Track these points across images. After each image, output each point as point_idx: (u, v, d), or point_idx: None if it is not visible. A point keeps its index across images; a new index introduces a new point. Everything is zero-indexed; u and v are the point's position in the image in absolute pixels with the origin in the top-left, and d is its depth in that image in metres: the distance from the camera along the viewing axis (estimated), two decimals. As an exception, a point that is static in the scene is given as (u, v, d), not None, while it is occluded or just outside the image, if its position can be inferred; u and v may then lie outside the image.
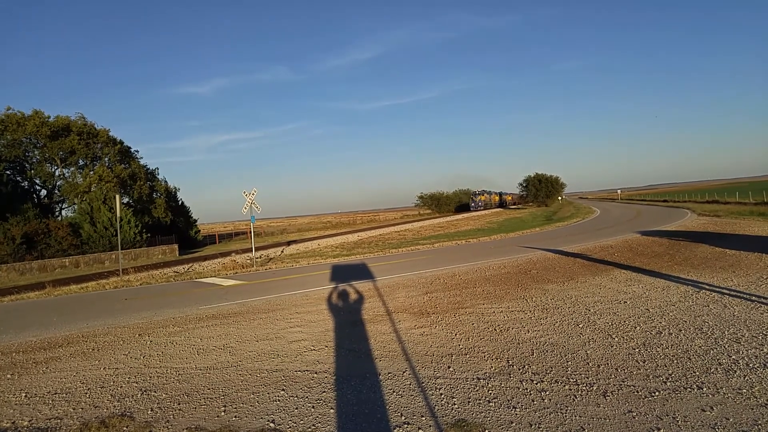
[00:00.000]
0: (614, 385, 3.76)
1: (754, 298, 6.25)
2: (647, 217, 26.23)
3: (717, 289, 6.89)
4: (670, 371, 3.96)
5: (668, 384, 3.70)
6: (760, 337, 4.62)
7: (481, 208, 72.33)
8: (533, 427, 3.17)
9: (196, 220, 41.52)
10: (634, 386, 3.70)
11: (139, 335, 6.75)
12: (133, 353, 5.81)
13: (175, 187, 39.58)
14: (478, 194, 75.91)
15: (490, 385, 3.94)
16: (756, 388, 3.49)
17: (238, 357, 5.30)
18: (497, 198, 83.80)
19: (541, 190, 66.92)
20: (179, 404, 4.02)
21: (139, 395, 4.32)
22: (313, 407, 3.76)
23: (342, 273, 12.18)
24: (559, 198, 76.11)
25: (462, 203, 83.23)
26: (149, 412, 3.89)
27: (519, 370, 4.26)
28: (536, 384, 3.89)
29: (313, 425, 3.44)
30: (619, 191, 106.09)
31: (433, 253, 15.86)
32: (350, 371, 4.55)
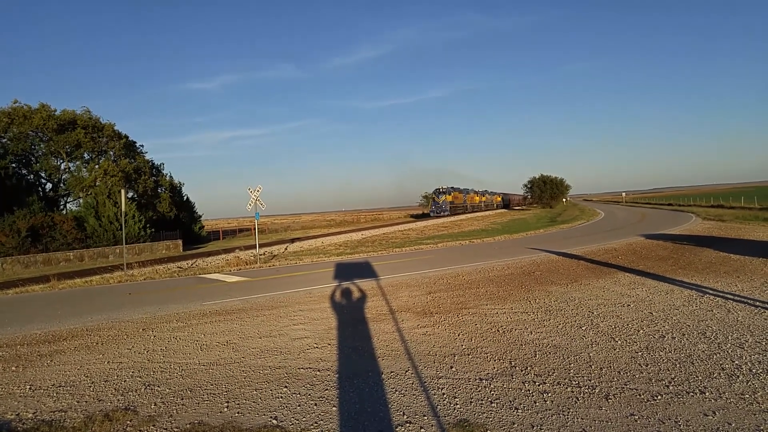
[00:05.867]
0: (617, 388, 3.76)
1: (758, 303, 6.23)
2: (652, 221, 26.12)
3: (721, 294, 6.86)
4: (673, 375, 3.95)
5: (671, 388, 3.70)
6: (763, 343, 4.60)
7: (446, 213, 50.67)
8: (535, 428, 3.18)
9: (200, 216, 41.56)
10: (636, 390, 3.70)
11: (142, 330, 6.79)
12: (137, 348, 5.85)
13: (179, 183, 39.60)
14: (443, 193, 52.29)
15: (492, 386, 3.95)
16: (759, 394, 3.49)
17: (241, 353, 5.32)
18: (478, 198, 65.18)
19: (545, 191, 66.62)
20: (182, 399, 4.05)
21: (142, 389, 4.35)
22: (315, 405, 3.78)
23: (345, 271, 12.20)
24: (564, 200, 75.35)
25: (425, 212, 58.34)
26: (153, 407, 3.92)
27: (521, 371, 4.26)
28: (539, 385, 3.90)
29: (316, 423, 3.45)
30: (623, 194, 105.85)
31: (437, 253, 15.85)
32: (353, 369, 4.57)
